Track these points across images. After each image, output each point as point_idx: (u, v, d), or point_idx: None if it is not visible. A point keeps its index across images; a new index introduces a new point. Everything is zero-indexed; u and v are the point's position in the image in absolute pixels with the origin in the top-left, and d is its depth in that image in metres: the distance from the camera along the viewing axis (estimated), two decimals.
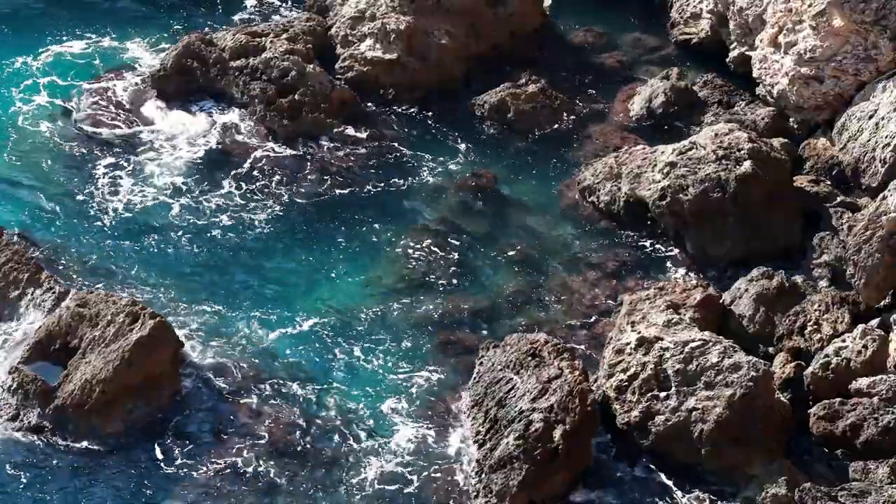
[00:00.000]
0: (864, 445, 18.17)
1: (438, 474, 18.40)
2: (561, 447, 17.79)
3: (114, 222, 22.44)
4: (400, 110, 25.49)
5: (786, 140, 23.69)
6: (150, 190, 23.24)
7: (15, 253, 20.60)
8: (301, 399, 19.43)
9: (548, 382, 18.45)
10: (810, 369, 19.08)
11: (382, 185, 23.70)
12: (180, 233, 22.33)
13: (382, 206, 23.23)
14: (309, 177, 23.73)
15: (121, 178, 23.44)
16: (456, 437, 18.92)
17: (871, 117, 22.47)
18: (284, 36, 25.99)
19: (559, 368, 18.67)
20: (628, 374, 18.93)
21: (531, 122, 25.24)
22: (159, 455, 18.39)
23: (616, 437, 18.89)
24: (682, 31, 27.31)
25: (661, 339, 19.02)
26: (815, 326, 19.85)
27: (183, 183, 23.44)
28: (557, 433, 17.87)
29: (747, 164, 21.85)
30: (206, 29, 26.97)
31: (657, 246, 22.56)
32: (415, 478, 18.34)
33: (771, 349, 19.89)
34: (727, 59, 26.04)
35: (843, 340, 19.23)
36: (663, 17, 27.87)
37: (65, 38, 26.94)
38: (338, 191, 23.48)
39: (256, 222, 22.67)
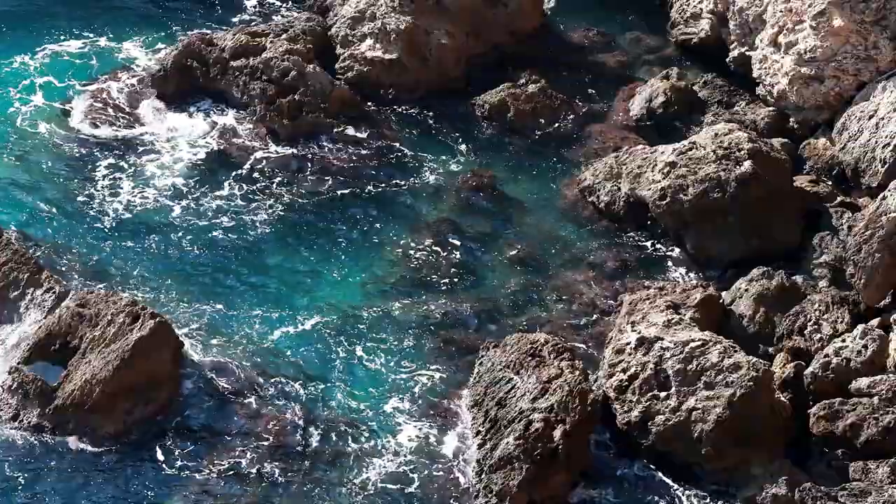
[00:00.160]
0: (864, 445, 18.17)
1: (439, 474, 18.41)
2: (561, 447, 17.79)
3: (114, 222, 22.44)
4: (400, 110, 25.50)
5: (786, 140, 23.71)
6: (149, 190, 23.24)
7: (15, 253, 20.59)
8: (302, 398, 19.42)
9: (548, 382, 18.46)
10: (810, 369, 19.08)
11: (383, 184, 23.71)
12: (181, 232, 22.32)
13: (383, 205, 23.23)
14: (309, 176, 23.74)
15: (121, 178, 23.43)
16: (456, 436, 18.92)
17: (871, 117, 22.47)
18: (284, 36, 25.99)
19: (559, 368, 18.67)
20: (628, 374, 18.93)
21: (531, 122, 25.25)
22: (159, 455, 18.39)
23: (616, 436, 18.89)
24: (682, 31, 27.31)
25: (661, 339, 19.02)
26: (815, 326, 19.85)
27: (183, 183, 23.44)
28: (557, 433, 17.87)
29: (747, 164, 21.85)
30: (205, 29, 26.97)
31: (657, 246, 22.56)
32: (416, 476, 18.35)
33: (771, 349, 19.89)
34: (727, 59, 26.04)
35: (843, 340, 19.22)
36: (663, 17, 27.88)
37: (62, 38, 26.95)
38: (338, 190, 23.49)
39: (256, 222, 22.66)
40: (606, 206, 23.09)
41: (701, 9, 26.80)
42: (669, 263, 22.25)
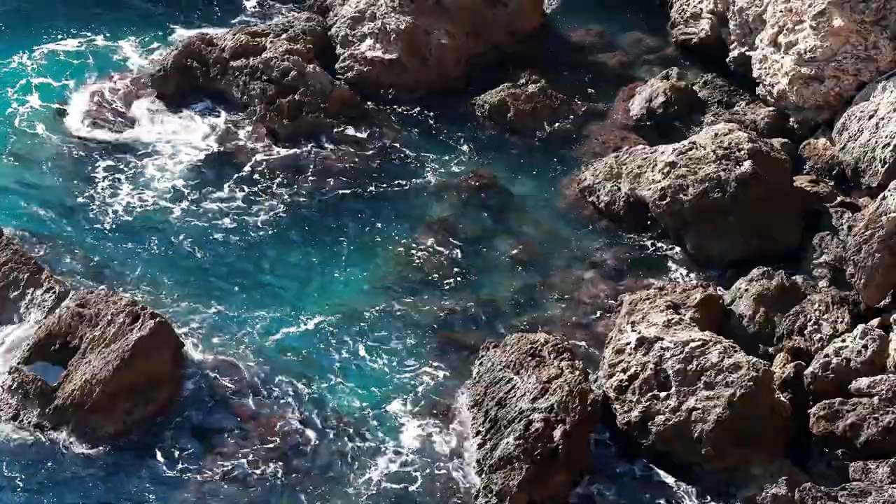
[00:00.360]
0: (864, 445, 18.16)
1: (440, 473, 18.40)
2: (561, 447, 17.79)
3: (114, 222, 22.42)
4: (400, 110, 25.50)
5: (786, 140, 23.71)
6: (149, 190, 23.22)
7: (15, 253, 20.58)
8: (303, 398, 19.42)
9: (548, 382, 18.46)
10: (810, 369, 19.07)
11: (383, 185, 23.71)
12: (181, 232, 22.32)
13: (383, 205, 23.22)
14: (309, 176, 23.73)
15: (120, 178, 23.41)
16: (457, 436, 18.92)
17: (871, 117, 22.47)
18: (284, 36, 25.98)
19: (559, 368, 18.67)
20: (628, 373, 18.93)
21: (531, 122, 25.24)
22: (159, 455, 18.38)
23: (616, 436, 18.89)
24: (682, 31, 27.30)
25: (661, 339, 19.02)
26: (815, 326, 19.85)
27: (183, 183, 23.43)
28: (557, 433, 17.87)
29: (747, 164, 21.86)
30: (205, 29, 26.96)
31: (657, 246, 22.57)
32: (417, 476, 18.35)
33: (771, 349, 19.89)
34: (727, 59, 26.03)
35: (843, 340, 19.22)
36: (663, 17, 27.86)
37: (60, 37, 26.87)
38: (338, 190, 23.48)
39: (256, 221, 22.66)
40: (606, 205, 23.09)
41: (701, 9, 26.80)
42: (669, 263, 22.25)
